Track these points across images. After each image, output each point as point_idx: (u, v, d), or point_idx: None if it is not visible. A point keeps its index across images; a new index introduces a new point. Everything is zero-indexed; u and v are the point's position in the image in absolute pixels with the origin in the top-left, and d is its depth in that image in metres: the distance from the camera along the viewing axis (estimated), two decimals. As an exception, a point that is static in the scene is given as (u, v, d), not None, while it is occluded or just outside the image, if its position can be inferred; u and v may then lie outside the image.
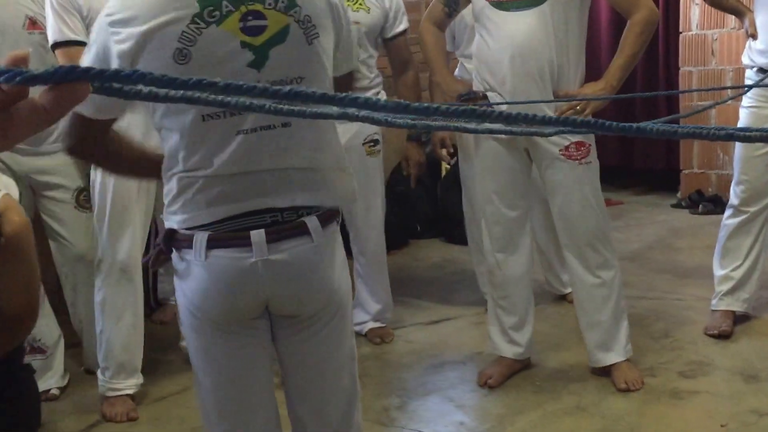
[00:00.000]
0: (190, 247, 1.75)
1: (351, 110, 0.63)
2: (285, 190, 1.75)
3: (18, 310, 2.15)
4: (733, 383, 3.20)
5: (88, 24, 2.99)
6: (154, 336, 3.77)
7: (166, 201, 1.81)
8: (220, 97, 0.59)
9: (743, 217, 3.55)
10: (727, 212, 3.63)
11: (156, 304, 4.34)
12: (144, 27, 1.64)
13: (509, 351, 3.33)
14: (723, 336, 3.56)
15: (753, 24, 3.45)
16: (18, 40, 3.15)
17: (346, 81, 2.00)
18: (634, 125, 0.92)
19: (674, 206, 5.89)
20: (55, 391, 3.41)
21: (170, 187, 1.78)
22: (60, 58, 3.00)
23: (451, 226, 5.19)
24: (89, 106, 1.70)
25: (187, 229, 1.76)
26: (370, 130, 3.69)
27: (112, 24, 1.66)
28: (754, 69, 3.48)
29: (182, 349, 3.60)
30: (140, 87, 0.60)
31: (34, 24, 3.21)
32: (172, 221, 1.79)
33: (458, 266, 4.84)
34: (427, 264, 5.03)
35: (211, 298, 1.77)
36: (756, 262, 3.60)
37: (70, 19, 2.96)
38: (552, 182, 3.14)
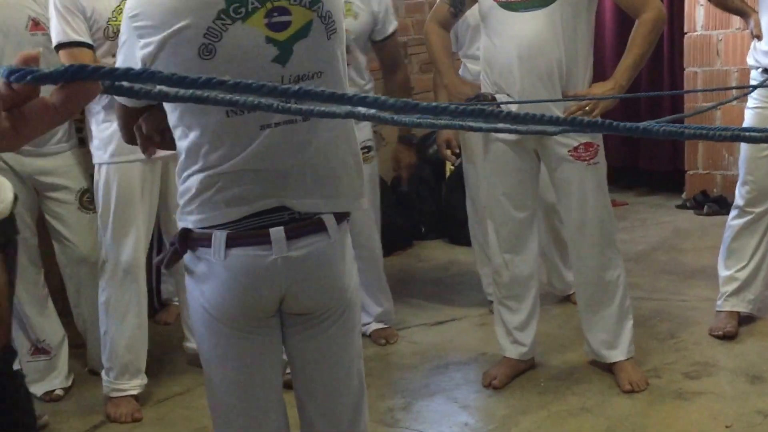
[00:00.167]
0: (207, 246, 1.76)
1: (360, 109, 0.63)
2: (303, 191, 1.76)
3: None
4: (737, 384, 3.20)
5: (91, 25, 2.99)
6: (157, 337, 3.78)
7: (181, 201, 1.80)
8: (228, 97, 0.59)
9: (748, 217, 3.54)
10: (732, 213, 3.63)
11: (159, 304, 4.35)
12: (166, 32, 1.65)
13: (513, 351, 3.33)
14: (728, 337, 3.55)
15: (758, 25, 3.44)
16: (21, 41, 3.15)
17: None
18: (641, 125, 0.92)
19: (679, 207, 5.87)
20: (59, 392, 3.41)
21: (187, 186, 1.77)
22: (63, 59, 2.99)
23: (455, 227, 5.18)
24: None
25: (203, 228, 1.76)
26: (364, 136, 3.62)
27: (137, 28, 1.68)
28: (759, 70, 3.47)
29: (186, 350, 3.61)
30: (150, 86, 0.60)
31: (37, 25, 3.22)
32: (187, 221, 1.79)
33: (462, 267, 4.84)
34: (432, 265, 5.03)
35: (230, 296, 1.77)
36: (761, 263, 3.59)
37: (73, 20, 2.96)
38: (560, 183, 3.14)
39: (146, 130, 1.82)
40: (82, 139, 3.52)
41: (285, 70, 1.70)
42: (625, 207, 5.91)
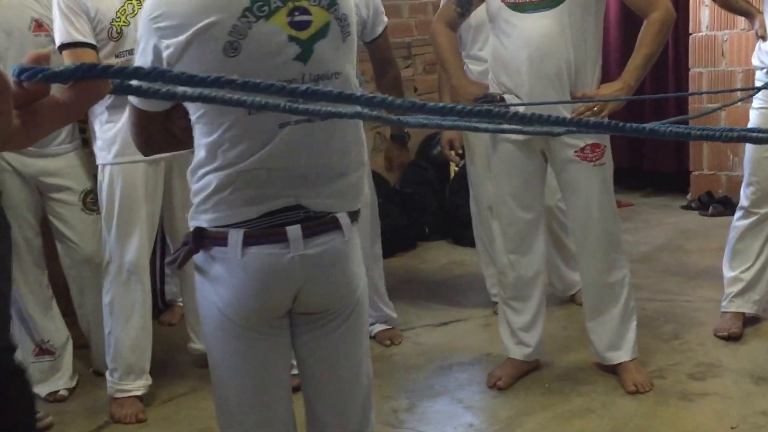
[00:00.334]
0: (222, 245, 1.76)
1: (366, 109, 0.63)
2: (318, 190, 1.78)
3: None
4: (742, 385, 3.19)
5: (95, 26, 2.99)
6: (161, 337, 3.77)
7: (195, 200, 1.80)
8: (236, 97, 0.59)
9: (753, 218, 3.54)
10: (737, 214, 3.62)
11: (164, 305, 4.35)
12: (191, 30, 1.66)
13: (518, 352, 3.32)
14: (733, 338, 3.55)
15: (763, 25, 3.44)
16: (24, 42, 3.15)
17: None
18: (647, 126, 0.91)
19: (684, 208, 5.87)
20: (63, 393, 3.41)
21: (203, 185, 1.77)
22: (67, 60, 2.99)
23: (459, 228, 5.18)
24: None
25: (219, 227, 1.76)
26: None
27: (159, 29, 1.69)
28: (764, 70, 3.46)
29: (190, 351, 3.61)
30: (158, 86, 0.60)
31: (40, 26, 3.22)
32: (201, 220, 1.79)
33: (466, 268, 4.83)
34: (436, 266, 5.02)
35: (247, 295, 1.77)
36: (766, 264, 3.58)
37: (77, 20, 2.96)
38: (567, 183, 3.14)
39: (178, 131, 1.82)
40: (85, 140, 3.52)
41: (306, 69, 1.72)
42: (630, 208, 5.90)
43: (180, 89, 0.59)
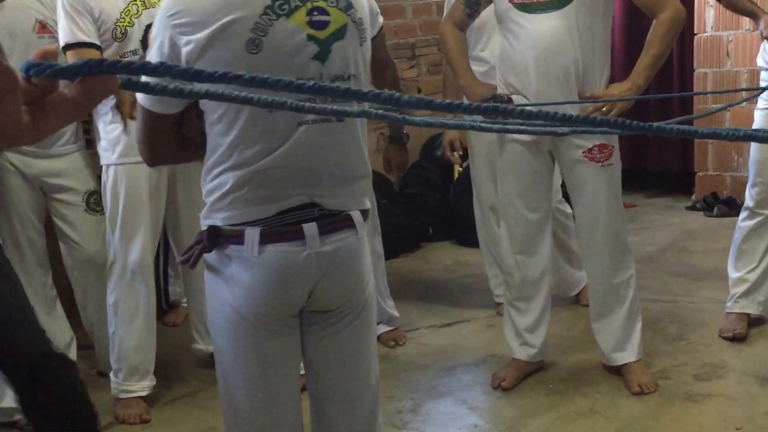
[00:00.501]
0: (238, 243, 1.76)
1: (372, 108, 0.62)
2: (332, 189, 1.79)
3: None
4: (747, 386, 3.18)
5: (99, 26, 2.99)
6: (165, 338, 3.77)
7: (209, 198, 1.80)
8: (243, 94, 0.59)
9: (758, 219, 3.53)
10: (742, 214, 3.62)
11: (168, 306, 4.35)
12: (213, 27, 1.66)
13: (522, 353, 3.32)
14: (738, 339, 3.54)
15: (768, 26, 3.43)
16: (28, 43, 3.16)
17: None
18: (654, 125, 0.91)
19: (689, 208, 5.86)
20: (68, 393, 3.41)
21: (218, 183, 1.77)
22: (71, 60, 2.99)
23: (463, 229, 5.17)
24: (148, 97, 1.75)
25: (234, 225, 1.77)
26: None
27: (177, 26, 1.68)
28: (769, 71, 3.46)
29: (194, 351, 3.61)
30: (167, 82, 0.60)
31: (44, 28, 3.22)
32: (215, 218, 1.79)
33: (470, 269, 4.83)
34: (440, 267, 5.02)
35: (263, 293, 1.78)
36: (771, 265, 3.58)
37: (81, 21, 2.96)
38: (574, 184, 3.14)
39: (194, 133, 1.82)
40: (89, 141, 3.52)
41: (324, 69, 1.74)
42: (635, 209, 5.89)
43: (187, 86, 0.59)
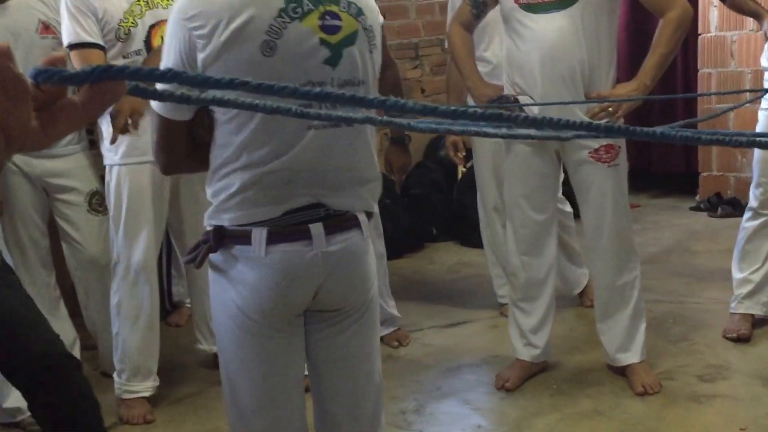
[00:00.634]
0: (244, 243, 1.77)
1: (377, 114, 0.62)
2: (338, 190, 1.80)
3: None
4: (752, 387, 3.18)
5: (103, 26, 2.99)
6: (169, 339, 3.78)
7: (216, 199, 1.80)
8: (249, 100, 0.59)
9: (762, 219, 3.53)
10: (746, 215, 3.61)
11: (171, 306, 4.36)
12: (229, 29, 1.66)
13: (526, 353, 3.32)
14: (742, 339, 3.54)
15: (772, 26, 3.43)
16: (31, 44, 3.16)
17: None
18: (658, 130, 0.91)
19: (693, 209, 5.85)
20: (71, 393, 3.41)
21: (226, 184, 1.77)
22: (74, 60, 3.00)
23: (466, 229, 5.17)
24: (162, 104, 1.75)
25: (241, 225, 1.77)
26: None
27: (194, 29, 1.68)
28: (773, 71, 3.45)
29: (198, 352, 3.61)
30: (174, 89, 0.60)
31: (47, 28, 3.22)
32: (222, 219, 1.79)
33: (474, 269, 4.83)
34: (443, 267, 5.02)
35: (270, 293, 1.78)
36: (775, 265, 3.57)
37: (85, 21, 2.96)
38: (580, 184, 3.14)
39: (205, 132, 1.82)
40: (92, 141, 3.52)
41: (335, 73, 1.75)
42: (639, 209, 5.89)
43: (194, 92, 0.59)
